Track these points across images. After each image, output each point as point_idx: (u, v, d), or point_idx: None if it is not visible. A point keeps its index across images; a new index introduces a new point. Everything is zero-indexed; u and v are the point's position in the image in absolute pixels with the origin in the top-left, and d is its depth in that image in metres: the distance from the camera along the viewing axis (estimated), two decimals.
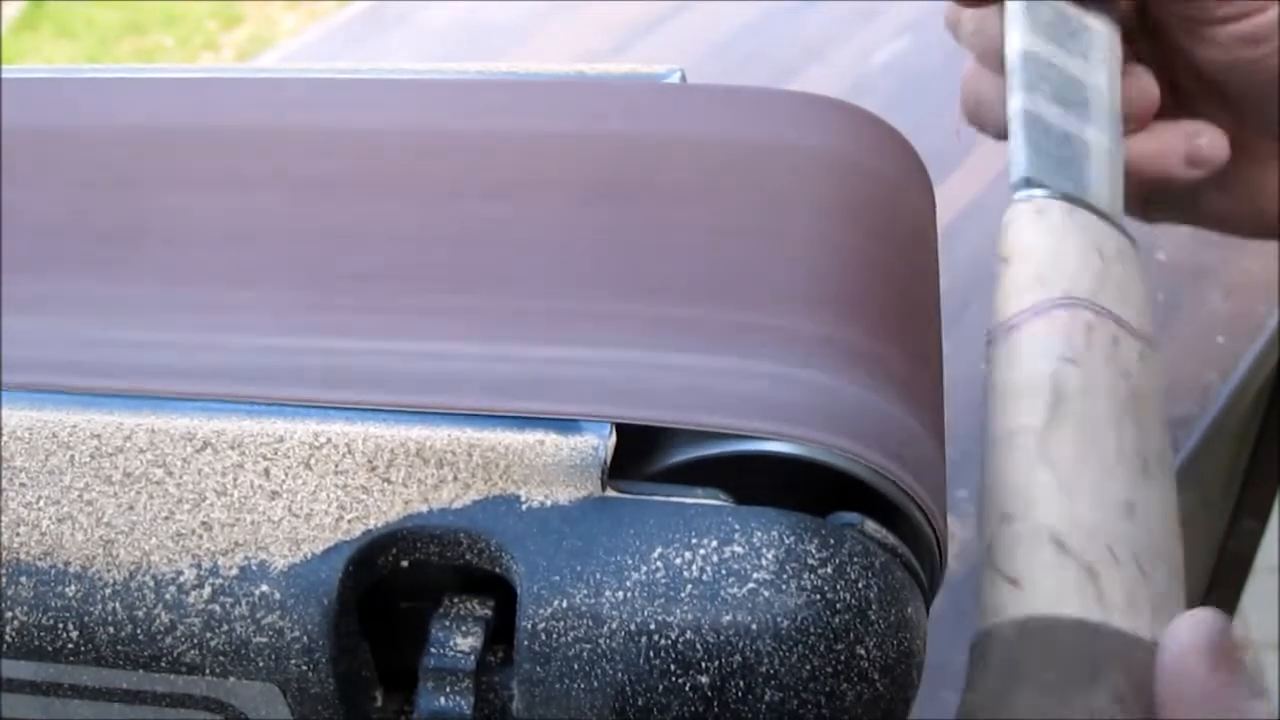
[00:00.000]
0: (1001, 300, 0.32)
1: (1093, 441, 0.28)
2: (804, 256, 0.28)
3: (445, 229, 0.29)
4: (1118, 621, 0.27)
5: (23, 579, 0.24)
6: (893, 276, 0.29)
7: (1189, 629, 0.25)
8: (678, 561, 0.23)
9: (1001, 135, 0.36)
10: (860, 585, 0.23)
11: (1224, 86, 0.37)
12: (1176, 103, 0.39)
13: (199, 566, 0.24)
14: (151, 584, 0.24)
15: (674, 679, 0.22)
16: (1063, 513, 0.28)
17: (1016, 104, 0.34)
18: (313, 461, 0.24)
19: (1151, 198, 0.41)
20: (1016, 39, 0.35)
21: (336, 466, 0.24)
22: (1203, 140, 0.37)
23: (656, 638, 0.22)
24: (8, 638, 0.24)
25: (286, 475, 0.24)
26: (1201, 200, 0.40)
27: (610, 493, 0.24)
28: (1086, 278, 0.31)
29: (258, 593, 0.24)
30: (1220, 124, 0.38)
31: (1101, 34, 0.35)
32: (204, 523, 0.24)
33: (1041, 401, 0.29)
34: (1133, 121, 0.37)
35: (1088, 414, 0.29)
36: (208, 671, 0.24)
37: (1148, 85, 0.37)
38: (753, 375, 0.25)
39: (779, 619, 0.22)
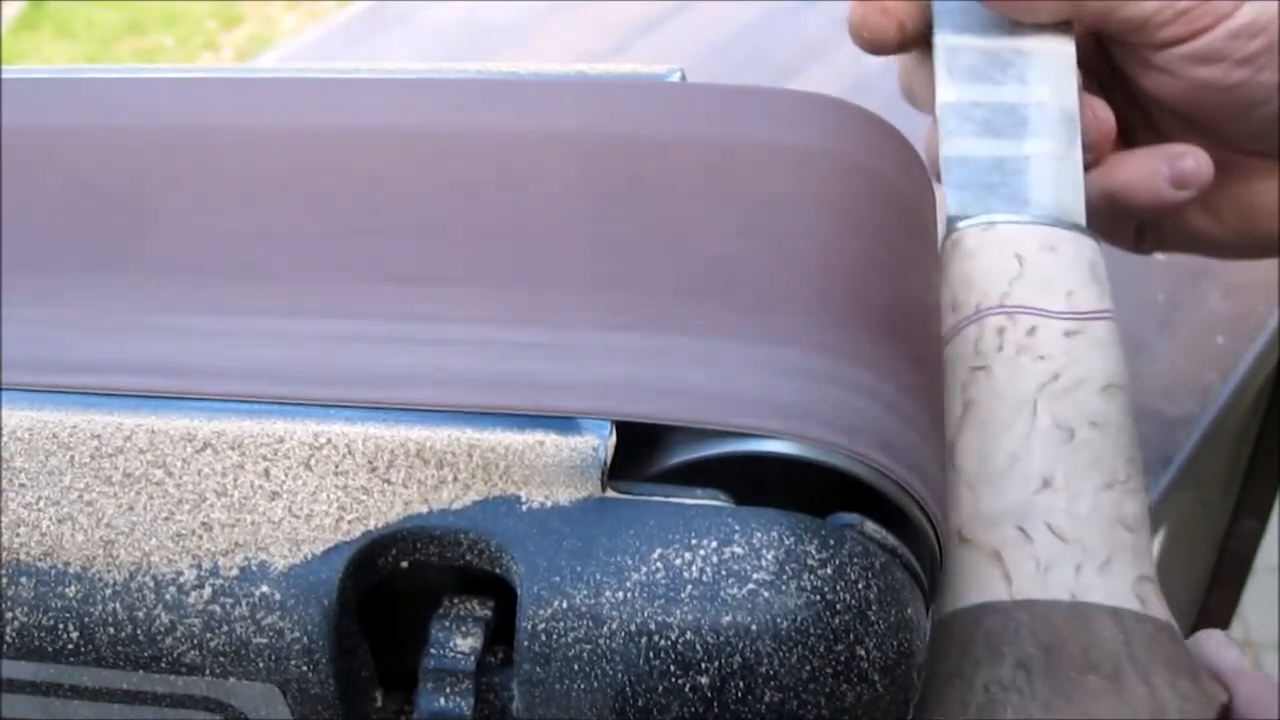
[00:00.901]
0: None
1: (998, 435, 0.29)
2: (804, 256, 0.28)
3: (445, 228, 0.29)
4: (1027, 592, 0.27)
5: (23, 579, 0.24)
6: (893, 276, 0.29)
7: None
8: (677, 562, 0.23)
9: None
10: (860, 586, 0.23)
11: (1190, 110, 0.38)
12: (1154, 134, 0.39)
13: (199, 567, 0.24)
14: (151, 584, 0.24)
15: (674, 680, 0.22)
16: (967, 511, 0.29)
17: (942, 154, 0.35)
18: (313, 462, 0.24)
19: (1142, 229, 0.42)
20: (939, 92, 0.36)
21: (336, 467, 0.24)
22: (1187, 161, 0.37)
23: (656, 638, 0.22)
24: (8, 638, 0.24)
25: (286, 476, 0.24)
26: (1190, 226, 0.40)
27: (610, 493, 0.24)
28: (997, 286, 0.32)
29: (258, 593, 0.24)
30: (1208, 148, 0.38)
31: (1041, 52, 0.36)
32: (204, 523, 0.24)
33: (954, 415, 0.30)
34: (1092, 151, 0.37)
35: (993, 412, 0.30)
36: (208, 672, 0.24)
37: (1103, 114, 0.37)
38: (752, 375, 0.25)
39: (779, 620, 0.22)
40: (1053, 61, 0.36)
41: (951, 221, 0.33)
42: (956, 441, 0.30)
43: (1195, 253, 0.42)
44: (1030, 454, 0.29)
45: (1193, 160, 0.37)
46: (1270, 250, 0.41)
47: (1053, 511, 0.28)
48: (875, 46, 0.38)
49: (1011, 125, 0.35)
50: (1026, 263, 0.32)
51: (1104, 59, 0.39)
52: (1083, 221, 0.33)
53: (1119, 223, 0.42)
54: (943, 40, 0.37)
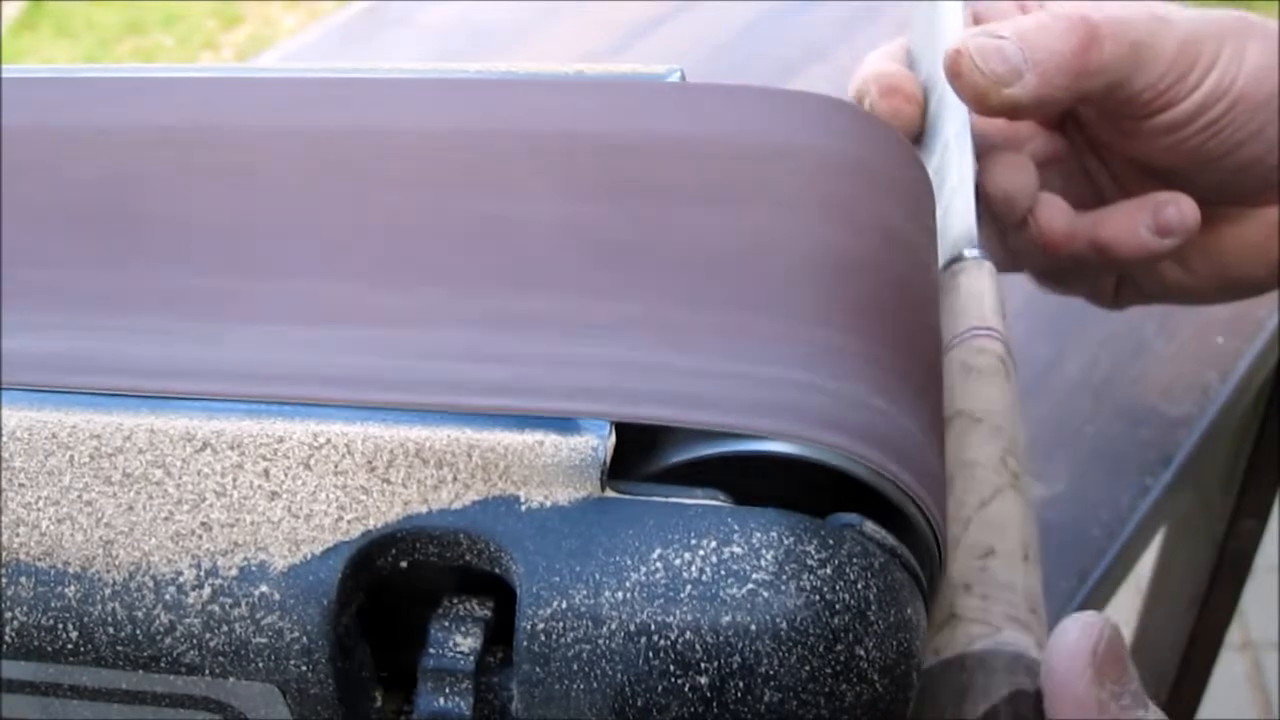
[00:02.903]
0: None
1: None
2: (804, 256, 0.28)
3: (444, 228, 0.29)
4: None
5: (23, 579, 0.24)
6: (892, 275, 0.29)
7: (1076, 634, 0.25)
8: (677, 562, 0.23)
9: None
10: (859, 586, 0.23)
11: (1160, 167, 0.39)
12: (1126, 191, 0.40)
13: (199, 567, 0.24)
14: (151, 584, 0.24)
15: (673, 679, 0.22)
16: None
17: None
18: (312, 462, 0.24)
19: (1120, 284, 0.43)
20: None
21: (336, 467, 0.24)
22: (1169, 210, 0.38)
23: (656, 638, 0.22)
24: (8, 638, 0.24)
25: (286, 476, 0.24)
26: (1165, 278, 0.41)
27: (609, 493, 0.24)
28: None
29: (257, 593, 0.24)
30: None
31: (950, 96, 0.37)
32: (203, 523, 0.24)
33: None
34: (1048, 249, 0.38)
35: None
36: (207, 672, 0.24)
37: (1055, 212, 0.38)
38: (752, 375, 0.25)
39: (778, 620, 0.22)
40: (950, 93, 0.36)
41: None
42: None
43: (1172, 302, 0.44)
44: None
45: (1175, 209, 0.38)
46: (1241, 293, 0.42)
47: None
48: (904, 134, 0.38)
49: (939, 185, 0.36)
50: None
51: (1079, 127, 0.41)
52: (972, 234, 0.34)
53: (1099, 280, 0.43)
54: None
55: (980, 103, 0.35)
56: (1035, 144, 0.41)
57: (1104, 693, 0.25)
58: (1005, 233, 0.40)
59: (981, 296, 0.33)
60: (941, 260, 0.34)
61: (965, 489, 0.29)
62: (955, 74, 0.35)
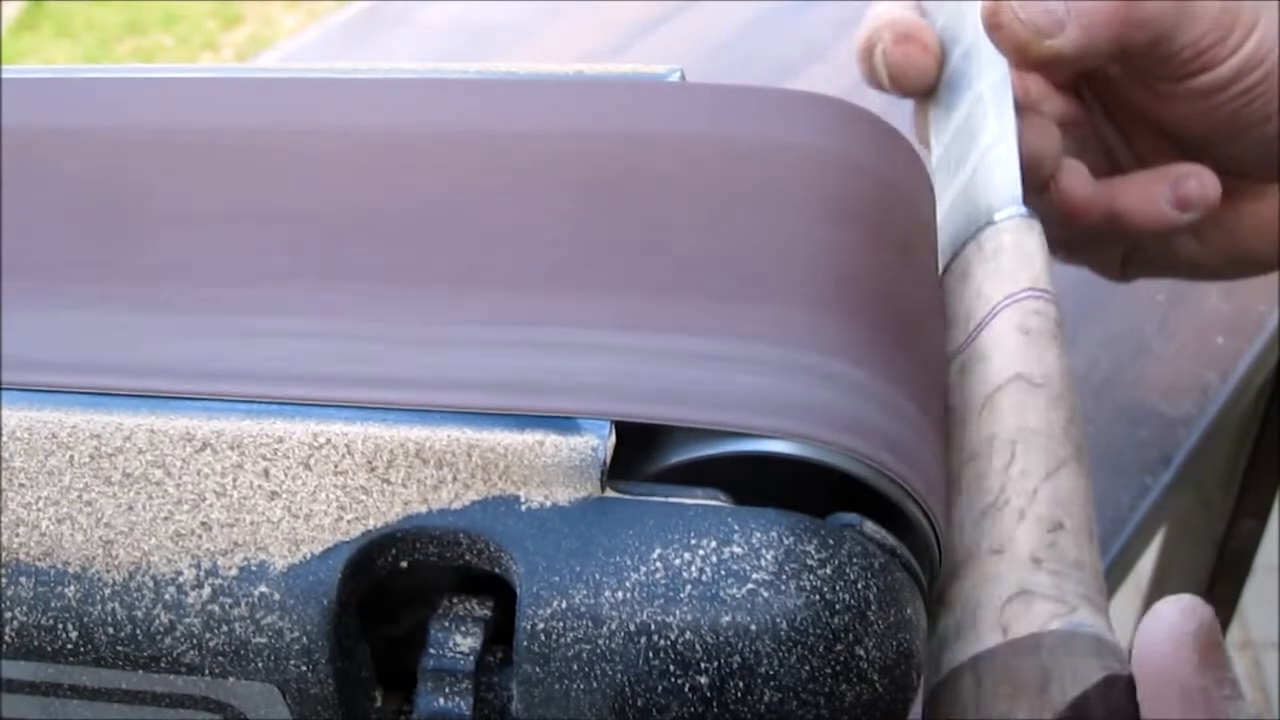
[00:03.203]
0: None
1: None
2: (804, 256, 0.28)
3: (444, 228, 0.29)
4: (928, 685, 0.27)
5: (23, 579, 0.24)
6: (893, 275, 0.29)
7: (1178, 617, 0.23)
8: (677, 562, 0.23)
9: None
10: (859, 586, 0.23)
11: (1188, 134, 0.38)
12: (1148, 159, 0.40)
13: (198, 567, 0.24)
14: (151, 584, 0.24)
15: (673, 679, 0.22)
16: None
17: (939, 214, 0.35)
18: (312, 462, 0.24)
19: (1128, 256, 0.42)
20: (933, 155, 0.36)
21: (336, 467, 0.24)
22: (1190, 183, 0.37)
23: (656, 638, 0.22)
24: (8, 638, 0.24)
25: (286, 475, 0.24)
26: (1177, 250, 0.41)
27: (609, 493, 0.24)
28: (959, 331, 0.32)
29: (257, 593, 0.24)
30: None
31: (981, 38, 0.36)
32: (203, 523, 0.24)
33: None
34: (1066, 217, 0.37)
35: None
36: (207, 672, 0.24)
37: (1078, 179, 0.37)
38: (752, 375, 0.25)
39: (778, 620, 0.22)
40: (988, 43, 0.35)
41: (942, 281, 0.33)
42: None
43: (1179, 277, 0.43)
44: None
45: (1196, 182, 0.37)
46: (1251, 270, 0.41)
47: (946, 585, 0.28)
48: (915, 88, 0.37)
49: (966, 144, 0.35)
50: (949, 311, 0.32)
51: (1108, 86, 0.39)
52: (1016, 191, 0.33)
53: (1106, 252, 0.42)
54: (939, 81, 0.36)
55: (1021, 55, 0.34)
56: (1048, 106, 0.40)
57: (1207, 680, 0.23)
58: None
59: (1033, 256, 0.31)
60: (975, 218, 0.33)
61: (1030, 458, 0.28)
62: (995, 25, 0.34)
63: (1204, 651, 0.23)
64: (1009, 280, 0.31)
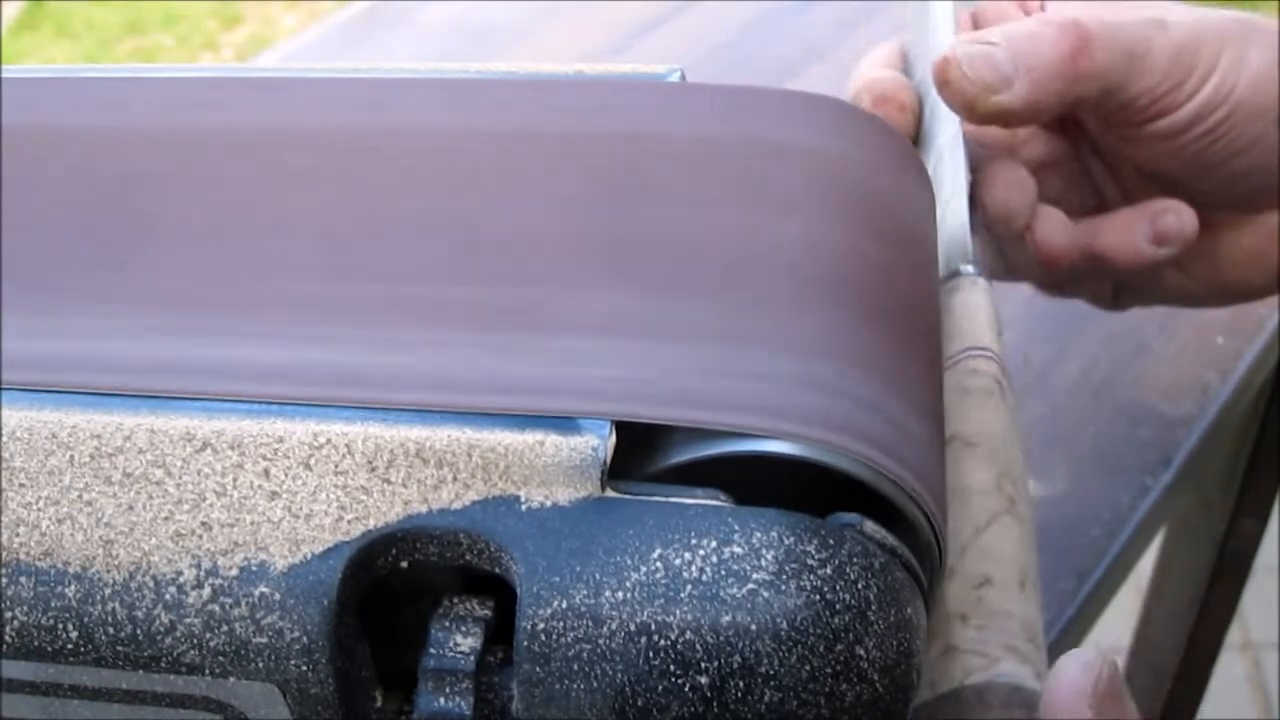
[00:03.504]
0: None
1: None
2: (803, 256, 0.28)
3: (444, 229, 0.29)
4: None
5: (23, 579, 0.24)
6: (892, 276, 0.29)
7: (1077, 672, 0.25)
8: (677, 562, 0.23)
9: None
10: (860, 586, 0.23)
11: (1160, 173, 0.39)
12: (1127, 196, 0.40)
13: (199, 567, 0.24)
14: (151, 584, 0.24)
15: (673, 679, 0.22)
16: None
17: None
18: (312, 462, 0.24)
19: (1121, 286, 0.43)
20: None
21: (336, 467, 0.24)
22: (1168, 218, 0.38)
23: (656, 638, 0.22)
24: (8, 638, 0.24)
25: (286, 475, 0.24)
26: (1164, 282, 0.41)
27: (610, 493, 0.24)
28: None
29: (257, 593, 0.24)
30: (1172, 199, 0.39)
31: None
32: (204, 523, 0.24)
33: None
34: (1046, 264, 0.38)
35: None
36: (207, 672, 0.24)
37: (1054, 228, 0.38)
38: (752, 375, 0.25)
39: (778, 619, 0.22)
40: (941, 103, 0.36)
41: None
42: None
43: (1170, 304, 0.43)
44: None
45: (1174, 217, 0.38)
46: (1239, 298, 0.42)
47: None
48: None
49: (937, 193, 0.35)
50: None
51: (1081, 130, 0.40)
52: (967, 249, 0.34)
53: (1096, 285, 0.43)
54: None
55: (969, 110, 0.35)
56: (1034, 146, 0.41)
57: None
58: (1002, 244, 0.40)
59: (976, 314, 0.32)
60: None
61: (961, 516, 0.29)
62: (943, 82, 0.35)
63: (1101, 703, 0.25)
64: (954, 340, 0.32)
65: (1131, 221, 0.38)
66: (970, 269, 0.33)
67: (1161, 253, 0.38)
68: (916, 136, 0.38)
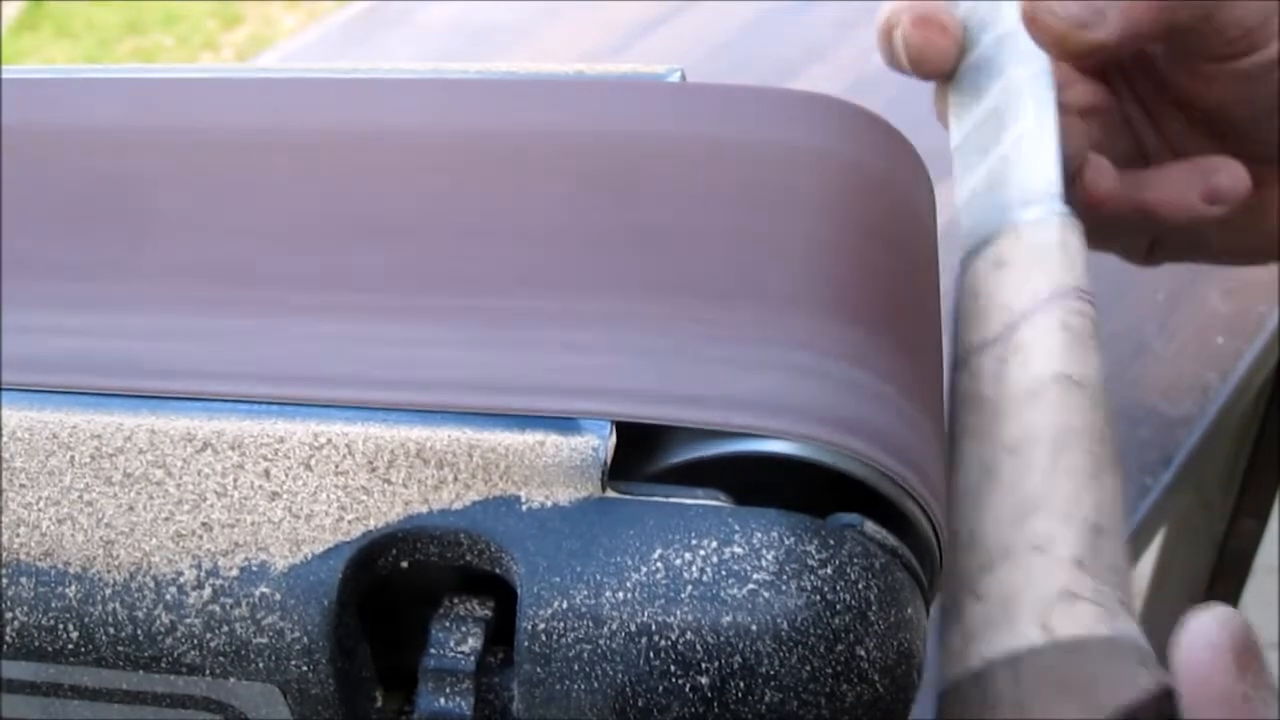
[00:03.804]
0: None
1: (954, 505, 0.29)
2: (804, 256, 0.28)
3: (444, 228, 0.29)
4: (951, 676, 0.26)
5: (23, 579, 0.24)
6: (893, 276, 0.29)
7: (1215, 628, 0.24)
8: (677, 562, 0.23)
9: None
10: (860, 586, 0.23)
11: (1224, 119, 0.37)
12: (1172, 144, 0.39)
13: (199, 567, 0.24)
14: (152, 585, 0.24)
15: (674, 679, 0.22)
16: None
17: (955, 200, 0.34)
18: (313, 462, 0.24)
19: (1157, 241, 0.41)
20: (952, 138, 0.35)
21: (337, 467, 0.24)
22: (1221, 176, 0.36)
23: (656, 638, 0.22)
24: (8, 638, 0.24)
25: (286, 476, 0.24)
26: (1205, 238, 0.40)
27: (610, 493, 0.24)
28: (960, 336, 0.31)
29: (258, 593, 0.24)
30: (1220, 153, 0.38)
31: (1019, 28, 0.35)
32: (204, 523, 0.24)
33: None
34: (1090, 209, 0.36)
35: (955, 477, 0.29)
36: (208, 672, 0.24)
37: (1103, 174, 0.36)
38: (752, 375, 0.25)
39: (779, 620, 0.22)
40: (1025, 34, 0.35)
41: (961, 265, 0.33)
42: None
43: (1204, 262, 0.42)
44: (957, 511, 0.28)
45: (1227, 175, 0.36)
46: (1277, 256, 0.41)
47: (969, 572, 0.27)
48: (934, 71, 0.36)
49: (994, 130, 0.34)
50: (978, 295, 0.31)
51: (1143, 71, 0.39)
52: (1055, 189, 0.32)
53: (1132, 239, 0.41)
54: (959, 66, 0.35)
55: (1060, 48, 0.34)
56: (1074, 92, 0.39)
57: (1246, 685, 0.23)
58: None
59: (1076, 257, 0.31)
60: (1006, 206, 0.32)
61: (1074, 459, 0.27)
62: (1031, 18, 0.33)
63: (1241, 658, 0.23)
64: (1054, 277, 0.30)
65: (1183, 177, 0.37)
66: (1064, 208, 0.32)
67: (1213, 210, 0.37)
68: (957, 67, 0.36)
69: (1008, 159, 0.33)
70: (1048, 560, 0.26)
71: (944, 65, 0.36)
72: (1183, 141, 0.38)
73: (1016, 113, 0.34)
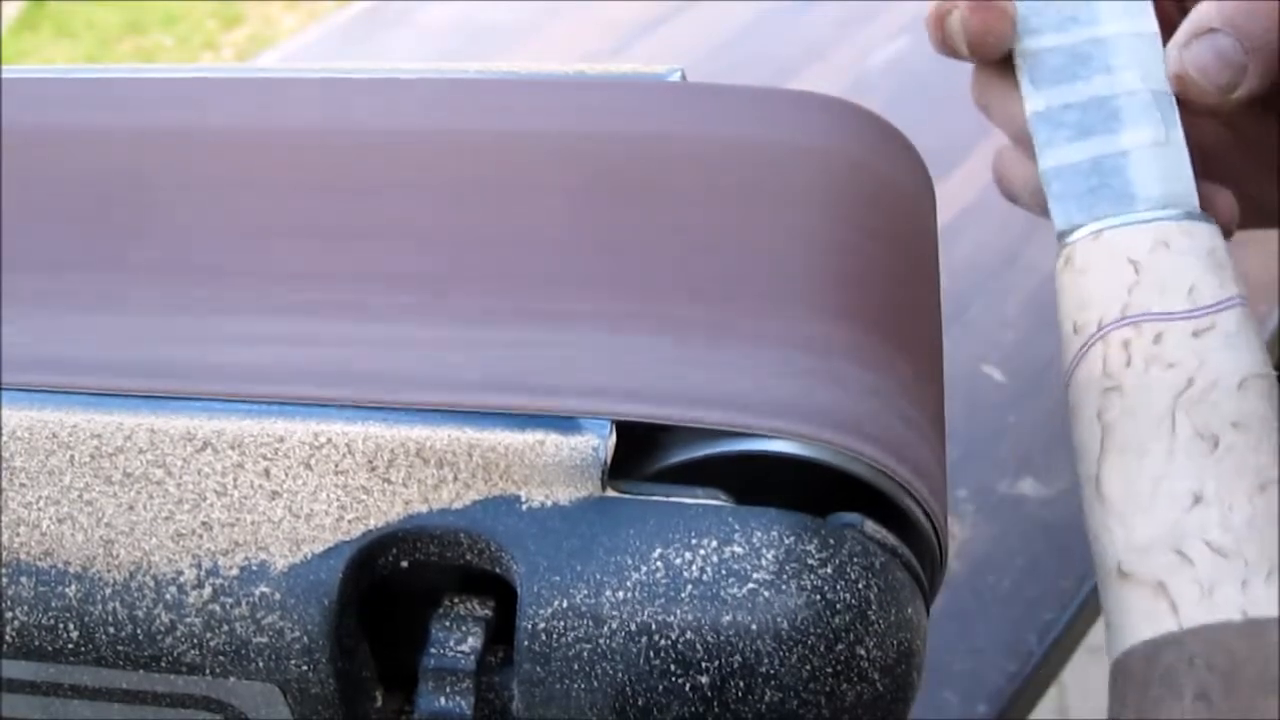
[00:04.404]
0: (1062, 359, 0.32)
1: (1140, 459, 0.28)
2: (803, 256, 0.28)
3: (445, 228, 0.29)
4: (1196, 619, 0.26)
5: (23, 579, 0.24)
6: (893, 275, 0.29)
7: None
8: (678, 562, 0.23)
9: (1036, 209, 0.36)
10: (860, 586, 0.23)
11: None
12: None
13: (199, 567, 0.24)
14: (152, 584, 0.24)
15: (674, 679, 0.22)
16: (1121, 543, 0.28)
17: (1040, 167, 0.34)
18: (313, 461, 0.24)
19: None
20: (1027, 104, 0.35)
21: (337, 466, 0.24)
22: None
23: (656, 638, 0.22)
24: (8, 638, 0.24)
25: (287, 475, 0.24)
26: (1263, 201, 0.39)
27: (610, 493, 0.24)
28: (1116, 298, 0.31)
29: (258, 593, 0.24)
30: (1274, 121, 0.37)
31: (1122, 35, 0.35)
32: (204, 523, 0.24)
33: (1094, 442, 0.29)
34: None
35: (1132, 434, 0.29)
36: (208, 672, 0.24)
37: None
38: (752, 374, 0.25)
39: (779, 619, 0.22)
40: (1136, 41, 0.35)
41: (1060, 237, 0.33)
42: (1100, 471, 0.29)
43: (1264, 227, 0.41)
44: (1175, 471, 0.28)
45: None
46: None
47: (1208, 528, 0.27)
48: (992, 53, 0.36)
49: (1104, 120, 0.34)
50: (1141, 266, 0.31)
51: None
52: (1195, 205, 0.32)
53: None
54: (1023, 47, 0.35)
55: (1216, 114, 0.34)
56: None
57: None
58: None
59: (1225, 261, 0.32)
60: (1138, 199, 0.33)
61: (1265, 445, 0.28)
62: (1185, 99, 0.34)
63: None
64: (1230, 281, 0.31)
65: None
66: (1197, 214, 0.32)
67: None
68: (1010, 50, 0.36)
69: (1129, 155, 0.33)
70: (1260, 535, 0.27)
71: (1003, 48, 0.36)
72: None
73: (1138, 116, 0.34)
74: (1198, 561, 0.27)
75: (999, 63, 0.36)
